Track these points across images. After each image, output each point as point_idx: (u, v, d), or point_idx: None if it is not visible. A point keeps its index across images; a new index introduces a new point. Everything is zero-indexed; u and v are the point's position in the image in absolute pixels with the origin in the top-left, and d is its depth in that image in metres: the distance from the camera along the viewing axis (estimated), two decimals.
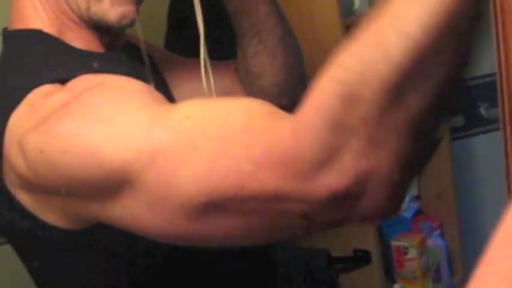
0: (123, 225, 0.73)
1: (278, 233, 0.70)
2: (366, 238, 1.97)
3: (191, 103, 0.71)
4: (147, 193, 0.67)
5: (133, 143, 0.67)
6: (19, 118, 0.77)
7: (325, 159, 0.59)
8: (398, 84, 0.56)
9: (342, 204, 0.61)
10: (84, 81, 0.77)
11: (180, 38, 1.64)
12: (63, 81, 0.78)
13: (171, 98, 1.01)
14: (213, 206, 0.65)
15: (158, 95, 0.75)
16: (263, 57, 1.02)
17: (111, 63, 0.89)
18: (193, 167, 0.64)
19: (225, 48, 1.09)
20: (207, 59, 0.89)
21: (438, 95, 0.58)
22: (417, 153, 0.62)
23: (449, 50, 0.57)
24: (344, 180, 0.59)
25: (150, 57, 1.03)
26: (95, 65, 0.84)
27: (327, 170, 0.59)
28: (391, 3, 0.57)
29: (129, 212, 0.71)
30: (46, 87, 0.78)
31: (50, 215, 0.80)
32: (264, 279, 1.03)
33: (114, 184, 0.69)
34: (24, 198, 0.80)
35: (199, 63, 0.91)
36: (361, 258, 2.00)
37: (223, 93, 1.04)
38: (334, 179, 0.59)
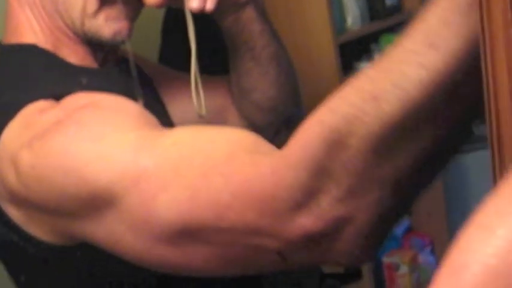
0: (106, 246, 0.73)
1: (253, 267, 0.70)
2: None
3: (180, 130, 0.72)
4: (129, 216, 0.68)
5: (119, 164, 0.68)
6: (12, 133, 0.77)
7: (303, 201, 0.59)
8: (386, 140, 0.55)
9: (316, 246, 0.61)
10: (78, 99, 0.78)
11: (174, 52, 1.64)
12: (57, 96, 0.79)
13: (165, 114, 1.01)
14: (192, 234, 0.65)
15: (150, 117, 0.75)
16: (255, 73, 1.03)
17: (105, 79, 0.89)
18: (174, 193, 0.65)
19: (219, 62, 1.10)
20: (198, 75, 0.89)
21: (429, 158, 0.57)
22: (399, 206, 0.62)
23: (445, 114, 0.56)
24: (319, 223, 0.59)
25: (145, 73, 1.04)
26: (90, 81, 0.84)
27: (304, 212, 0.59)
28: (391, 59, 0.56)
29: (111, 233, 0.71)
30: (40, 103, 0.78)
31: (39, 230, 0.80)
32: None
33: (98, 203, 0.69)
34: (14, 213, 0.80)
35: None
36: (352, 275, 2.01)
37: (217, 108, 1.05)
38: (309, 221, 0.59)
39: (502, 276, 0.33)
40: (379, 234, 0.63)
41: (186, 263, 0.69)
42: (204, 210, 0.63)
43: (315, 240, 0.60)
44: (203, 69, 0.92)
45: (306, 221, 0.59)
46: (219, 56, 1.11)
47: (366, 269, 1.99)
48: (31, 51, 0.88)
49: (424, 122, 0.55)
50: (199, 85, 0.89)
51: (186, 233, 0.66)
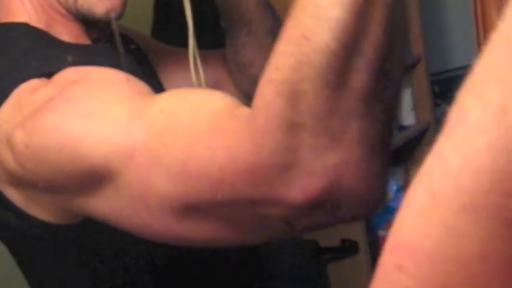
0: (108, 220, 0.73)
1: (260, 237, 0.69)
2: (353, 228, 1.98)
3: (168, 96, 0.71)
4: (128, 191, 0.67)
5: (113, 138, 0.67)
6: (7, 114, 0.76)
7: (288, 162, 0.57)
8: (334, 69, 0.55)
9: (324, 206, 0.60)
10: (68, 74, 0.77)
11: (167, 29, 1.63)
12: (49, 74, 0.78)
13: (161, 89, 1.00)
14: (192, 208, 0.65)
15: (142, 86, 0.74)
16: (252, 48, 1.02)
17: (95, 55, 0.88)
18: (166, 166, 0.64)
19: (213, 36, 1.09)
20: (197, 51, 0.88)
21: (379, 65, 0.57)
22: (383, 127, 0.60)
23: (376, 23, 0.56)
24: (315, 180, 0.58)
25: (140, 48, 1.03)
26: (78, 57, 0.83)
27: (295, 173, 0.57)
28: (301, 1, 0.56)
29: (112, 208, 0.71)
30: (33, 82, 0.77)
31: (39, 210, 0.79)
32: (251, 269, 1.03)
33: (96, 179, 0.69)
34: (13, 195, 0.80)
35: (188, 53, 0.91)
36: (349, 248, 2.02)
37: (213, 82, 1.04)
38: (305, 181, 0.58)
39: (438, 260, 0.33)
40: (380, 166, 0.61)
41: (191, 235, 0.68)
42: (197, 184, 0.62)
43: (320, 201, 0.59)
44: (197, 44, 0.91)
45: (302, 182, 0.58)
46: (214, 31, 1.10)
47: (363, 242, 2.00)
48: (23, 29, 0.87)
49: (360, 38, 0.55)
50: (198, 62, 0.88)
51: (186, 207, 0.65)
